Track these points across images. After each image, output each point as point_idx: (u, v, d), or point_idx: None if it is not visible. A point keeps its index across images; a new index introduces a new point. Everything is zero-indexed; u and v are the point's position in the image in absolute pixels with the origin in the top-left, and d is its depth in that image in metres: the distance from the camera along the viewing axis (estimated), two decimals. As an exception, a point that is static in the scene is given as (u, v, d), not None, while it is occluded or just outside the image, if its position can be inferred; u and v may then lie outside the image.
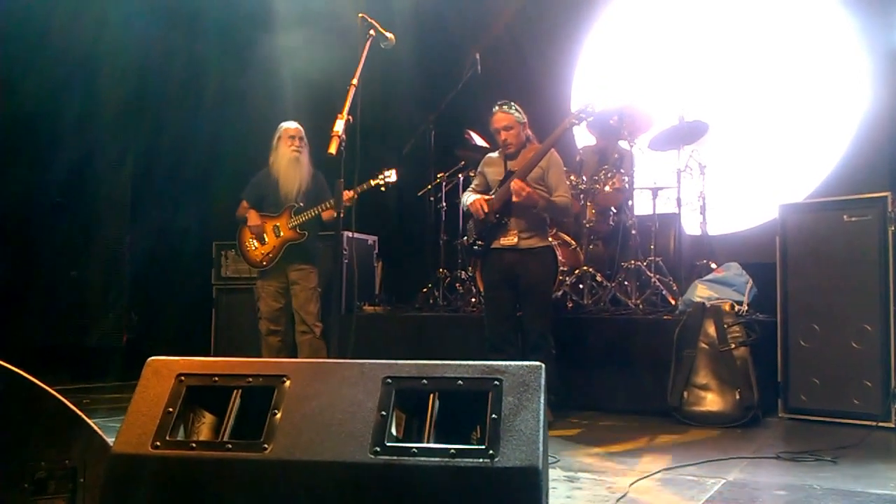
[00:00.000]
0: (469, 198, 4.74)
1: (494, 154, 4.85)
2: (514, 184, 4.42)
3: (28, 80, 6.53)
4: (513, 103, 4.67)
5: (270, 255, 5.29)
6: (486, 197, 4.64)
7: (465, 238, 4.95)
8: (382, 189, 5.11)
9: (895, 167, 5.86)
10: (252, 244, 5.36)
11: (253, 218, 5.33)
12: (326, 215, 5.20)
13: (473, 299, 5.90)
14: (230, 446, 1.82)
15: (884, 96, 6.07)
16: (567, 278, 5.41)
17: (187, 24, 7.39)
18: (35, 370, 1.95)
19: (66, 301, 7.24)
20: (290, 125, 5.38)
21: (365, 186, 5.02)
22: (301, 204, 5.27)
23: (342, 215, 3.61)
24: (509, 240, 4.58)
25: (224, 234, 6.53)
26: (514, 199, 4.45)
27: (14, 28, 6.37)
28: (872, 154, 6.06)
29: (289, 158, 5.31)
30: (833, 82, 6.32)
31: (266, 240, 5.32)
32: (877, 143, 6.06)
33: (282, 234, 5.29)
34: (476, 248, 4.72)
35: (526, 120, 4.70)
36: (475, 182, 4.89)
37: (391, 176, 5.10)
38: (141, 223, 7.48)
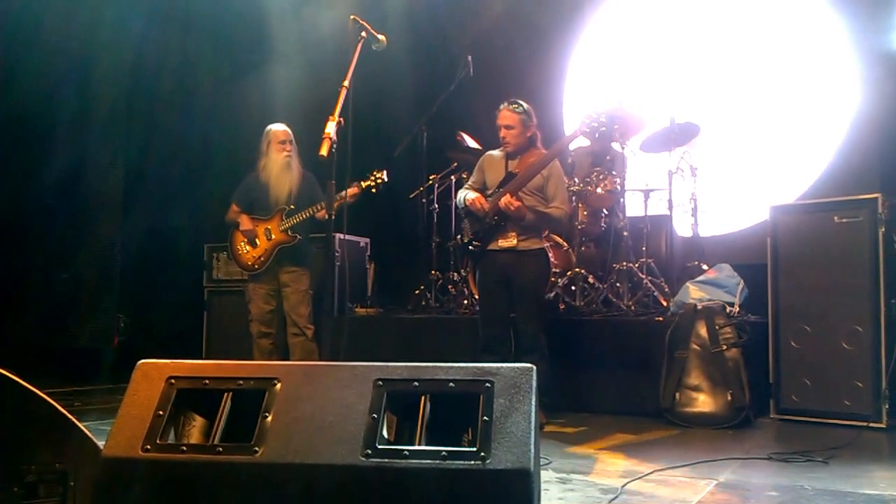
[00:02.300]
0: (468, 195, 4.67)
1: (496, 152, 4.78)
2: (503, 200, 4.43)
3: (19, 81, 6.51)
4: (522, 103, 4.62)
5: (262, 259, 5.26)
6: (485, 204, 4.60)
7: (460, 237, 4.90)
8: (373, 191, 5.07)
9: (885, 168, 5.87)
10: (244, 248, 5.33)
11: (245, 222, 5.31)
12: (321, 215, 5.13)
13: (465, 301, 5.90)
14: (221, 449, 1.82)
15: (874, 98, 6.08)
16: (559, 280, 5.41)
17: (180, 26, 7.37)
18: (25, 372, 1.94)
19: (56, 303, 7.20)
20: (279, 128, 5.34)
21: (357, 190, 4.99)
22: (292, 207, 5.24)
23: (334, 217, 3.59)
24: (508, 241, 4.56)
25: (216, 237, 6.51)
26: (503, 211, 4.47)
27: (6, 28, 6.34)
28: (863, 155, 6.08)
29: (280, 164, 5.27)
30: (823, 84, 6.34)
31: (258, 243, 5.29)
32: (867, 144, 6.07)
33: (273, 237, 5.26)
34: (472, 248, 4.69)
35: (534, 122, 4.67)
36: (472, 179, 4.83)
37: (383, 176, 5.07)
38: (132, 225, 7.44)
